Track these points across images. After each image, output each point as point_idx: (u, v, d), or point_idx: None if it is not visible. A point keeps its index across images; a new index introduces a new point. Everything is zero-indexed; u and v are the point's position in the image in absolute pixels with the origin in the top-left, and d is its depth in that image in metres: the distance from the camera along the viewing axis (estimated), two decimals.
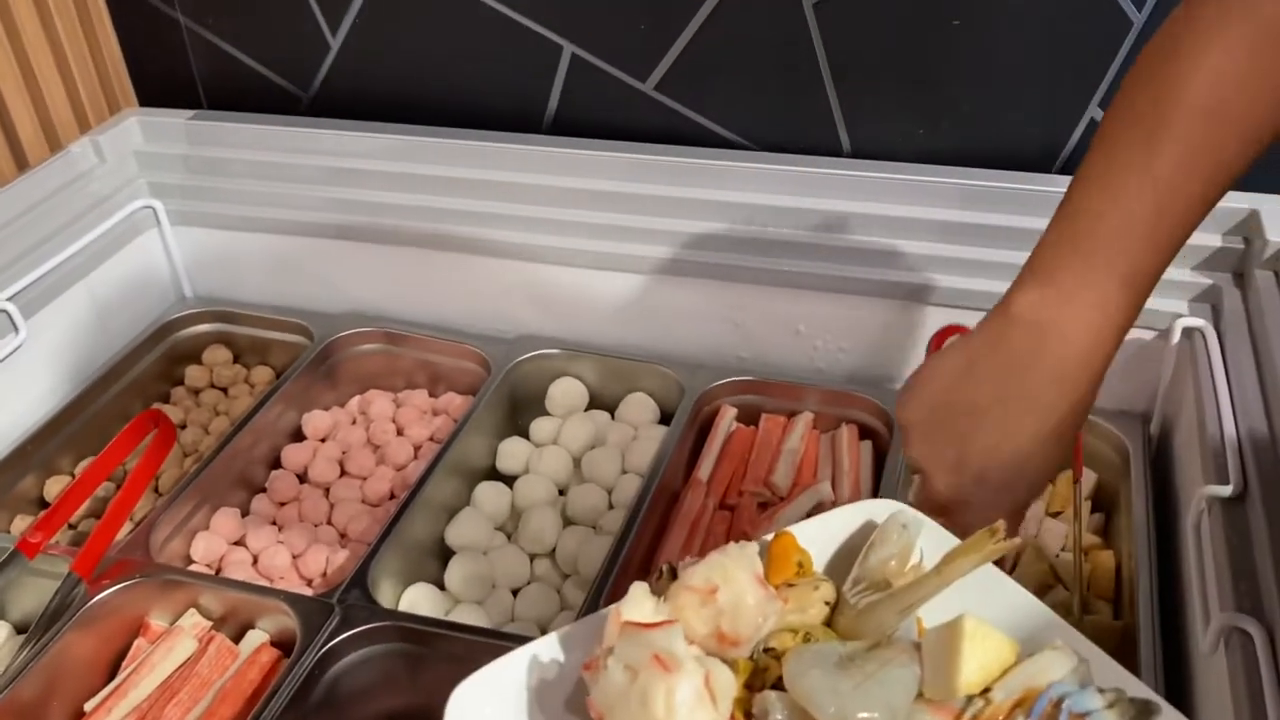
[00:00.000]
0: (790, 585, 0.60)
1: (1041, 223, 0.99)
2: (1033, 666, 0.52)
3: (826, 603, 0.60)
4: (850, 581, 0.61)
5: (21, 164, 1.16)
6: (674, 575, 0.59)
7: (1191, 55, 0.56)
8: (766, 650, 0.57)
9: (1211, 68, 0.55)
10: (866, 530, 0.64)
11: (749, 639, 0.56)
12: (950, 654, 0.52)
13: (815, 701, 0.52)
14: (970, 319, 1.03)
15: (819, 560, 0.63)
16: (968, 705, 0.52)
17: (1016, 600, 0.60)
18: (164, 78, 1.27)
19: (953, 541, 0.62)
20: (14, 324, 1.05)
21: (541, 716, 0.57)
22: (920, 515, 0.63)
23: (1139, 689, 0.53)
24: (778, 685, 0.55)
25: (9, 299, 1.05)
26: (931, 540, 0.62)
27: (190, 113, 1.22)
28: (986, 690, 0.52)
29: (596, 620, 0.58)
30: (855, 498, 0.99)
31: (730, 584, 0.56)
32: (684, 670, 0.51)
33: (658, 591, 0.58)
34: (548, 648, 0.60)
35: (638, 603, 0.56)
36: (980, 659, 0.52)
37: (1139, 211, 0.57)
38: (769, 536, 0.62)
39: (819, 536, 0.64)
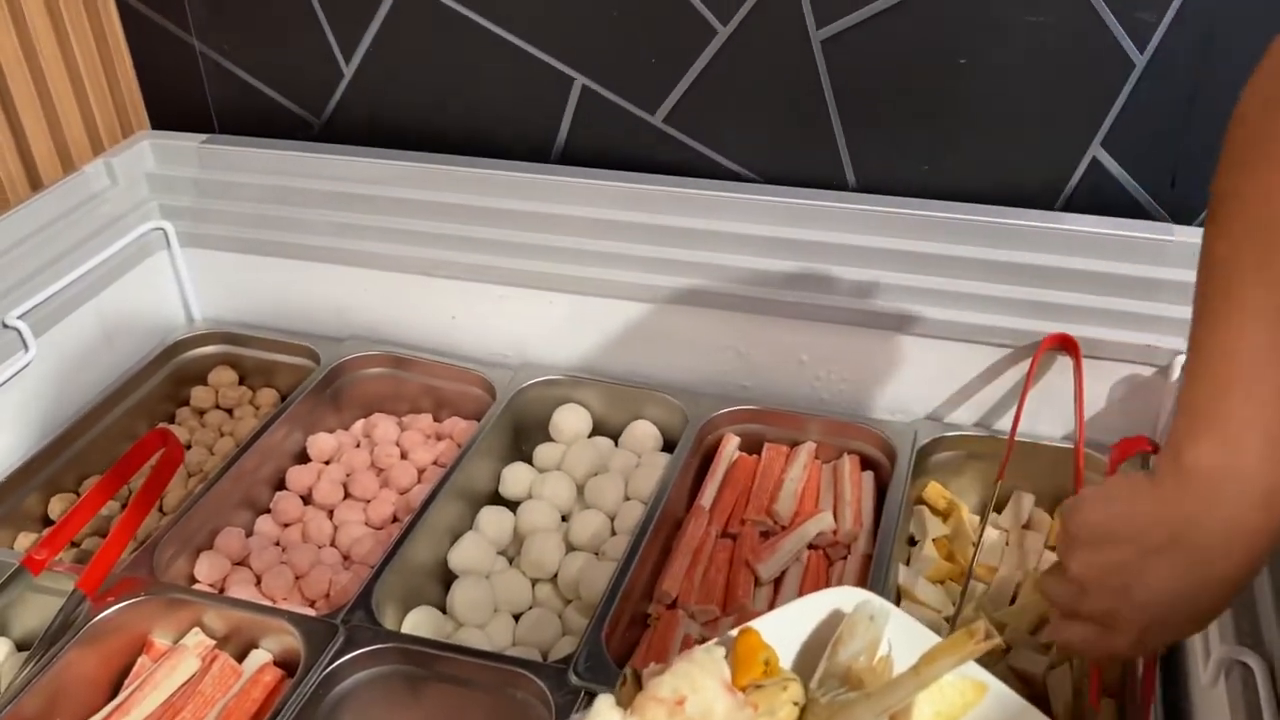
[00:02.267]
0: (758, 686, 0.59)
1: (1044, 259, 1.02)
2: None
3: (795, 703, 0.59)
4: (818, 679, 0.61)
5: (36, 184, 1.17)
6: (638, 682, 0.58)
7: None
8: None
9: None
10: (833, 620, 0.64)
11: None
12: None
13: None
14: (974, 352, 1.04)
15: (785, 655, 0.63)
16: None
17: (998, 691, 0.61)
18: (178, 102, 1.28)
19: (922, 632, 0.63)
20: (24, 342, 1.06)
21: None
22: (887, 605, 0.63)
23: None
24: None
25: (19, 317, 1.06)
26: (899, 631, 0.62)
27: (203, 136, 1.24)
28: None
29: None
30: (856, 528, 1.00)
31: (698, 693, 0.56)
32: None
33: (623, 700, 0.58)
34: None
35: (603, 716, 0.56)
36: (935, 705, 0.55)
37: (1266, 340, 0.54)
38: (734, 633, 0.62)
39: (784, 630, 0.63)
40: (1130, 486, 0.60)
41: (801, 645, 0.64)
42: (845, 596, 0.65)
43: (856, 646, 0.61)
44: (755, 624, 0.62)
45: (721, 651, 0.58)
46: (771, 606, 0.95)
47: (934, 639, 0.62)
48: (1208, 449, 0.56)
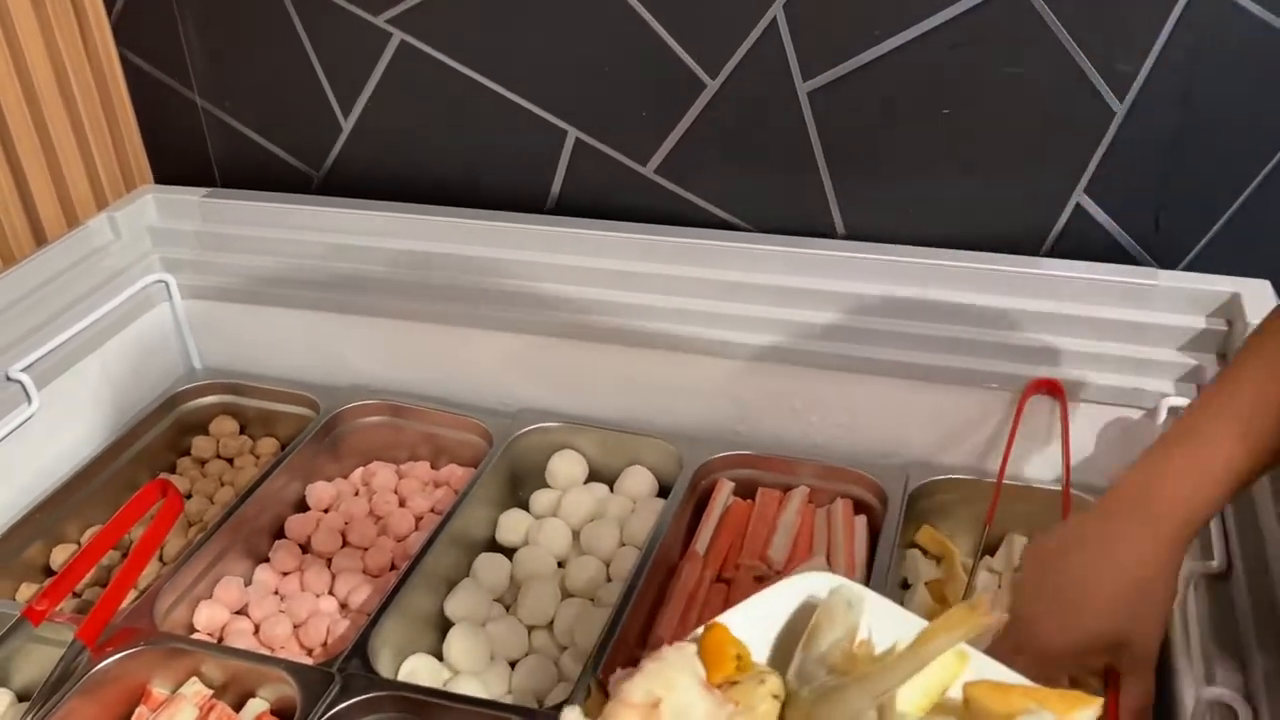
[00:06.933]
0: (733, 683, 0.55)
1: (1029, 304, 1.03)
2: None
3: (775, 696, 0.55)
4: (794, 670, 0.57)
5: (40, 239, 1.19)
6: (603, 690, 0.56)
7: None
8: None
9: None
10: (804, 610, 0.60)
11: None
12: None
13: None
14: (964, 396, 1.06)
15: (757, 650, 0.58)
16: None
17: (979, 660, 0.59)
18: (180, 157, 1.31)
19: (900, 614, 0.60)
20: (27, 394, 1.07)
21: None
22: (861, 589, 0.60)
23: None
24: None
25: (23, 370, 1.07)
26: (877, 615, 0.59)
27: (204, 190, 1.26)
28: None
29: None
30: (850, 573, 1.00)
31: (674, 692, 0.53)
32: None
33: (590, 712, 0.55)
34: None
35: None
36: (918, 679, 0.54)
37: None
38: (700, 630, 0.57)
39: (753, 623, 0.59)
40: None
41: (773, 638, 0.60)
42: (813, 583, 0.61)
43: (836, 634, 0.57)
44: (722, 618, 0.58)
45: (693, 649, 0.55)
46: None
47: (914, 620, 0.60)
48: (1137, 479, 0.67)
